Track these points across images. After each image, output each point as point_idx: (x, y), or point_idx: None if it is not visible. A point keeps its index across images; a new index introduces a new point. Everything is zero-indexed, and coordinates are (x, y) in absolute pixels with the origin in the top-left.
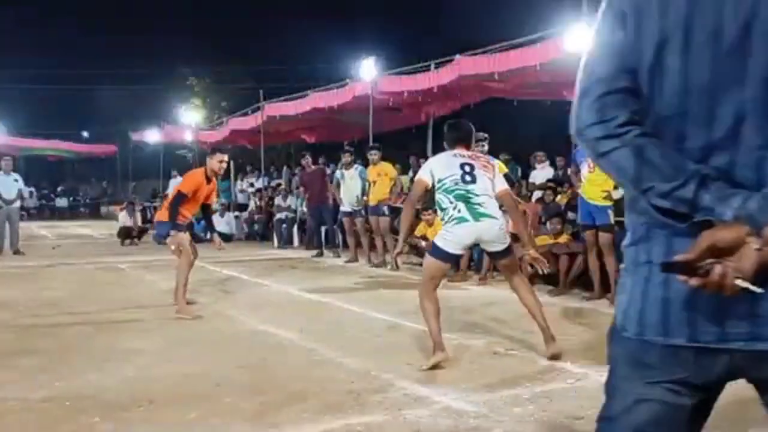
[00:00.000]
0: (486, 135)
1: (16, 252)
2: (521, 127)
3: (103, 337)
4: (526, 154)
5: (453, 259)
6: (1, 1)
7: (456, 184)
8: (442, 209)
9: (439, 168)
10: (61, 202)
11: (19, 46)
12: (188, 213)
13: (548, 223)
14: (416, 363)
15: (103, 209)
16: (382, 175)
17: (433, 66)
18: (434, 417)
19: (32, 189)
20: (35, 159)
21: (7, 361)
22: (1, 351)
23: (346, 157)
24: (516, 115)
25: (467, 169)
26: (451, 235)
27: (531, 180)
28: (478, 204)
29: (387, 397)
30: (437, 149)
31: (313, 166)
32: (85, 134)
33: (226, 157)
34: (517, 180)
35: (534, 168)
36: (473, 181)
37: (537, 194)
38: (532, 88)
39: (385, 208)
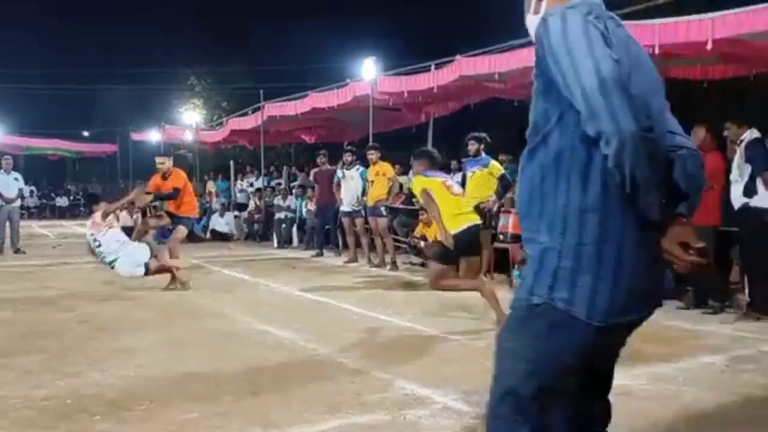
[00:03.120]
0: (480, 135)
1: (17, 251)
2: (521, 128)
3: (104, 337)
4: None
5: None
6: (3, 0)
7: None
8: None
9: None
10: (62, 201)
11: (21, 45)
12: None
13: None
14: (416, 363)
15: None
16: (380, 174)
17: (433, 66)
18: (434, 417)
19: (32, 188)
20: (36, 158)
21: (7, 360)
22: (1, 350)
23: (346, 157)
24: (516, 115)
25: None
26: None
27: None
28: None
29: (387, 397)
30: (437, 149)
31: (327, 166)
32: (86, 133)
33: (158, 159)
34: (515, 180)
35: None
36: None
37: None
38: (533, 89)
39: (383, 209)
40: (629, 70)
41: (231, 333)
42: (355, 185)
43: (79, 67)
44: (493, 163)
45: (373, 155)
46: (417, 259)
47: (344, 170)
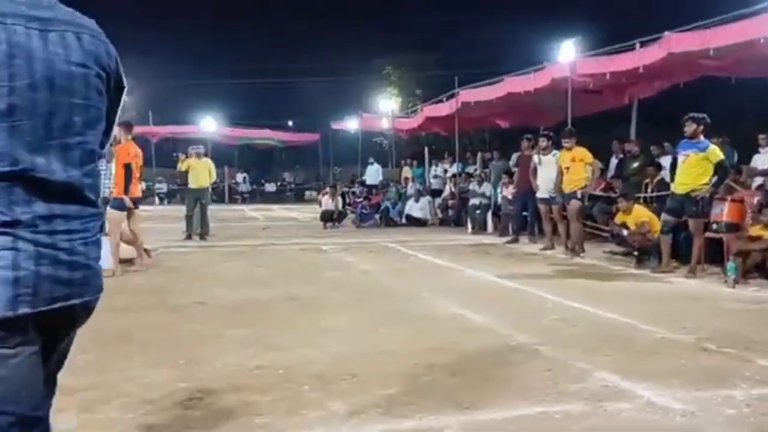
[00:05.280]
0: (698, 115)
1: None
2: (739, 107)
3: (308, 314)
4: (746, 137)
5: None
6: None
7: None
8: None
9: None
10: (270, 187)
11: (233, 44)
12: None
13: (761, 213)
14: (616, 355)
15: (308, 194)
16: (577, 160)
17: (638, 45)
18: (637, 411)
19: (245, 174)
20: (246, 147)
21: (222, 331)
22: (216, 322)
23: (543, 142)
24: (733, 94)
25: None
26: None
27: (752, 164)
28: None
29: (585, 388)
30: (641, 132)
31: (531, 151)
32: (291, 123)
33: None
34: (734, 165)
35: (757, 152)
36: None
37: (758, 180)
38: (754, 64)
39: (578, 194)
40: (19, 87)
41: (427, 315)
42: (551, 171)
43: (285, 62)
44: (713, 147)
45: (568, 142)
46: (618, 248)
47: (540, 156)
